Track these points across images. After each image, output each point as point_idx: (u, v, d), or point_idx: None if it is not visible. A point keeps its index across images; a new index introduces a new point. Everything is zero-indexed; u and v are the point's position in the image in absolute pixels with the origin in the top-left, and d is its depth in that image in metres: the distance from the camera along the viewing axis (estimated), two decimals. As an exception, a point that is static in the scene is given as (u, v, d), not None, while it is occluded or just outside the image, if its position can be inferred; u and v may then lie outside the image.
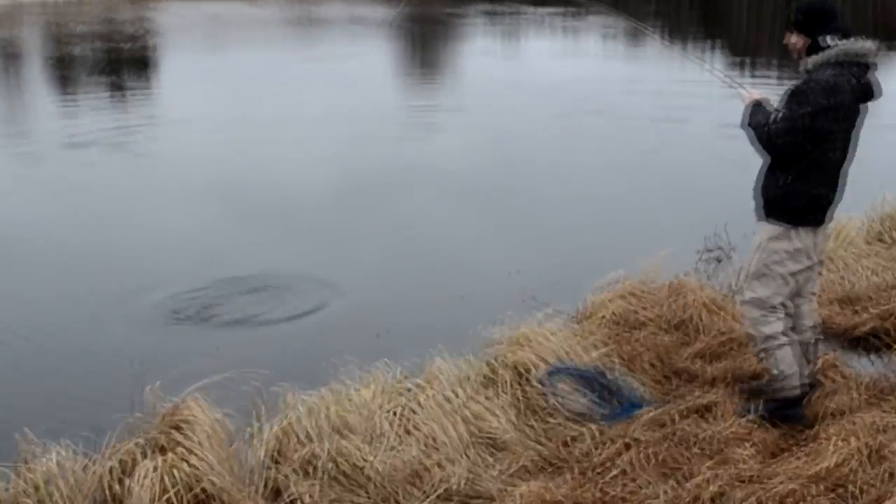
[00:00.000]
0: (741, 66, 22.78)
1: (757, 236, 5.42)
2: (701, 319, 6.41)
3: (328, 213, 10.77)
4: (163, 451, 4.76)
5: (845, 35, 5.15)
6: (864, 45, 5.11)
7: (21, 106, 18.86)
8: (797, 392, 5.41)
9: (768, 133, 5.15)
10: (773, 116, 5.19)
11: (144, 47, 25.73)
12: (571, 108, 16.68)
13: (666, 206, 10.77)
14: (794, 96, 5.17)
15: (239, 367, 5.50)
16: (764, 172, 5.39)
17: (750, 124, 5.32)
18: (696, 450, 5.05)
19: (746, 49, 26.44)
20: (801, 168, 5.19)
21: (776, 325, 5.37)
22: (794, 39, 5.28)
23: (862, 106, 5.22)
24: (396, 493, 4.77)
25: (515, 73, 22.11)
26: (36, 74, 22.18)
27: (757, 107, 5.34)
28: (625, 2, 42.04)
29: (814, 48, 5.19)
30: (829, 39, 5.13)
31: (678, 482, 4.74)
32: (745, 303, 5.48)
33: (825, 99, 5.04)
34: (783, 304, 5.40)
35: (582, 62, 23.58)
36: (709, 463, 4.87)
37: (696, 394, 5.60)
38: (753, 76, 20.15)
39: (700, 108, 16.51)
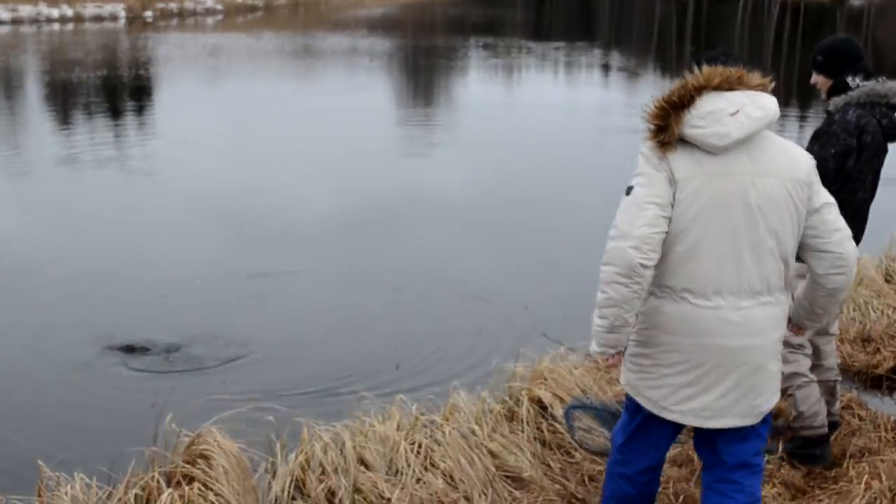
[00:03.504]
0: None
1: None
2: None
3: (333, 245, 10.71)
4: (181, 483, 4.69)
5: (868, 75, 5.12)
6: (891, 85, 5.08)
7: (18, 127, 18.87)
8: (820, 431, 5.36)
9: None
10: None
11: (142, 75, 25.74)
12: (576, 138, 16.68)
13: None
14: (817, 138, 5.13)
15: (254, 401, 5.45)
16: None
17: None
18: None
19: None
20: (826, 208, 5.15)
21: (799, 364, 5.32)
22: (816, 80, 5.26)
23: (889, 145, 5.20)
24: (417, 529, 4.70)
25: (517, 104, 22.14)
26: (34, 99, 22.19)
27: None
28: (628, 42, 42.47)
29: (837, 88, 5.16)
30: (853, 80, 5.10)
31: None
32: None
33: (851, 139, 5.00)
34: (804, 344, 5.36)
35: (586, 93, 23.61)
36: (733, 502, 4.80)
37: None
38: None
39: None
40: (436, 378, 6.31)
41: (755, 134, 3.56)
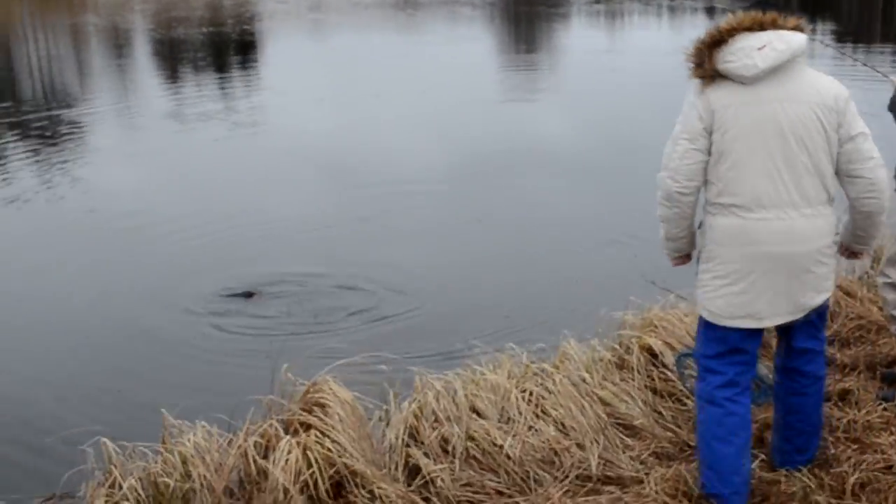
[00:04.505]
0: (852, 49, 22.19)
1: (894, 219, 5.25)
2: (837, 305, 6.25)
3: (441, 193, 10.76)
4: (300, 430, 4.80)
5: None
6: None
7: (129, 83, 19.32)
8: (940, 377, 5.25)
9: None
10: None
11: (247, 30, 26.04)
12: (680, 81, 16.40)
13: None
14: None
15: (367, 351, 5.54)
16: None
17: (891, 108, 5.15)
18: (834, 437, 4.93)
19: (856, 34, 25.72)
20: (943, 149, 5.00)
21: (916, 305, 5.21)
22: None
23: None
24: (530, 475, 4.74)
25: (619, 51, 21.82)
26: (143, 56, 22.67)
27: (902, 90, 5.15)
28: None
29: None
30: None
31: (819, 468, 4.63)
32: (883, 287, 5.33)
33: None
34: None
35: (689, 36, 23.08)
36: (850, 450, 4.75)
37: (833, 379, 5.46)
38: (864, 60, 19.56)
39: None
40: (546, 327, 6.30)
41: (783, 65, 3.98)
